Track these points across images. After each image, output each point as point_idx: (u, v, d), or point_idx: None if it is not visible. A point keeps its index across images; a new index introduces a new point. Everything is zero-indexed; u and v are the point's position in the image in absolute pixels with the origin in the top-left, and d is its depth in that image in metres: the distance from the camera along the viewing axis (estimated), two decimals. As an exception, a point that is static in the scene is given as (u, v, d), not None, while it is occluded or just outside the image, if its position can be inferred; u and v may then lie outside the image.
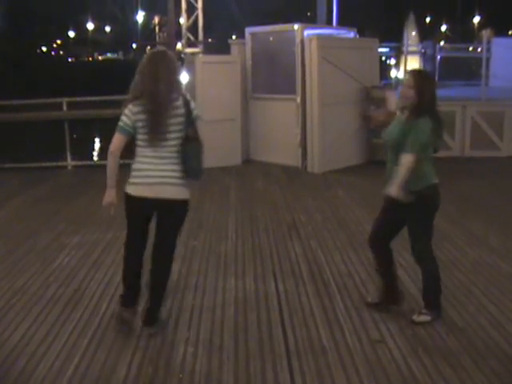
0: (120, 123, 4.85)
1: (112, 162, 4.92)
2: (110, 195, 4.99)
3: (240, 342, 4.90)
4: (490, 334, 4.96)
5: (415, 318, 5.20)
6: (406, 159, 4.81)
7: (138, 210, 4.99)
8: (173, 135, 4.84)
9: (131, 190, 4.94)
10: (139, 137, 4.87)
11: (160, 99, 4.79)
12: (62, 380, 4.39)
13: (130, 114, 4.83)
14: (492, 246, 7.20)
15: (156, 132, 4.81)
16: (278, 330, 5.07)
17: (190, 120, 4.89)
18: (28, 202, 10.00)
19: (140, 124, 4.81)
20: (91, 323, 5.30)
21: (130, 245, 5.15)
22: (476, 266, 6.54)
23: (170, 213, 4.96)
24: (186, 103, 4.90)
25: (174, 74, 4.92)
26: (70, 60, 62.87)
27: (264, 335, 5.00)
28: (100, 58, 67.93)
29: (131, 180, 4.96)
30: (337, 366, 4.50)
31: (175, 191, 4.90)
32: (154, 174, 4.89)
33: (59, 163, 13.19)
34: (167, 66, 4.84)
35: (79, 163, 13.43)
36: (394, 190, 4.82)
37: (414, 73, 5.05)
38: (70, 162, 13.11)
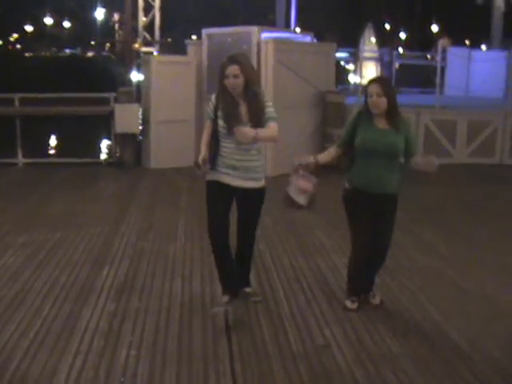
0: (275, 113, 5.19)
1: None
2: None
3: (183, 346, 4.85)
4: (433, 340, 5.01)
5: (374, 301, 5.64)
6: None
7: None
8: None
9: None
10: None
11: None
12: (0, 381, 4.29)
13: None
14: (440, 252, 7.29)
15: None
16: (223, 334, 5.05)
17: None
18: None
19: None
20: (33, 325, 5.19)
21: None
22: (424, 272, 6.61)
23: None
24: None
25: None
26: (26, 55, 61.72)
27: (208, 339, 4.96)
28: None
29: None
30: (279, 370, 4.49)
31: None
32: None
33: (9, 160, 12.83)
34: None
35: (31, 161, 13.05)
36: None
37: (380, 82, 5.31)
38: (21, 159, 12.83)
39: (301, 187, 5.34)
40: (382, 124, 5.25)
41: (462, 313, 5.57)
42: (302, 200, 5.39)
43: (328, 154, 5.57)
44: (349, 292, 5.62)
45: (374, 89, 5.16)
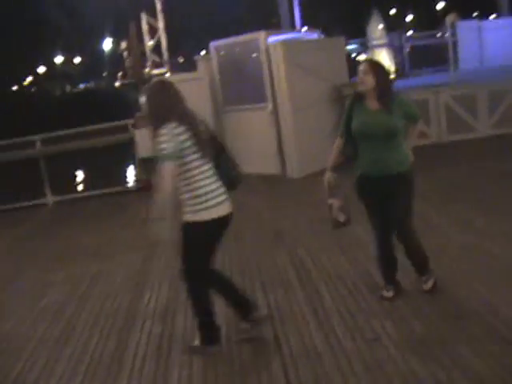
0: (164, 152, 4.51)
1: (171, 199, 4.57)
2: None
3: (234, 357, 4.84)
4: (485, 318, 4.91)
5: (426, 286, 5.52)
6: (417, 127, 5.44)
7: (219, 231, 4.90)
8: None
9: (211, 213, 4.71)
10: (193, 157, 4.66)
11: (194, 118, 4.82)
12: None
13: (172, 138, 4.55)
14: (478, 228, 7.14)
15: (207, 148, 4.76)
16: (272, 341, 5.01)
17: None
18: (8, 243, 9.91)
19: (189, 143, 4.63)
20: (83, 359, 5.22)
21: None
22: (463, 250, 6.49)
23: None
24: None
25: None
26: (42, 96, 62.28)
27: (258, 347, 4.94)
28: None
29: (204, 205, 4.68)
30: (333, 370, 4.44)
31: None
32: (222, 191, 4.82)
33: (39, 201, 12.87)
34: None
35: (60, 198, 13.00)
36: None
37: (368, 61, 5.52)
38: (50, 199, 12.91)
39: (336, 205, 5.49)
40: (373, 105, 5.22)
41: (510, 286, 5.45)
42: (341, 217, 5.55)
43: (334, 155, 5.60)
44: (384, 281, 5.59)
45: (362, 67, 5.21)
